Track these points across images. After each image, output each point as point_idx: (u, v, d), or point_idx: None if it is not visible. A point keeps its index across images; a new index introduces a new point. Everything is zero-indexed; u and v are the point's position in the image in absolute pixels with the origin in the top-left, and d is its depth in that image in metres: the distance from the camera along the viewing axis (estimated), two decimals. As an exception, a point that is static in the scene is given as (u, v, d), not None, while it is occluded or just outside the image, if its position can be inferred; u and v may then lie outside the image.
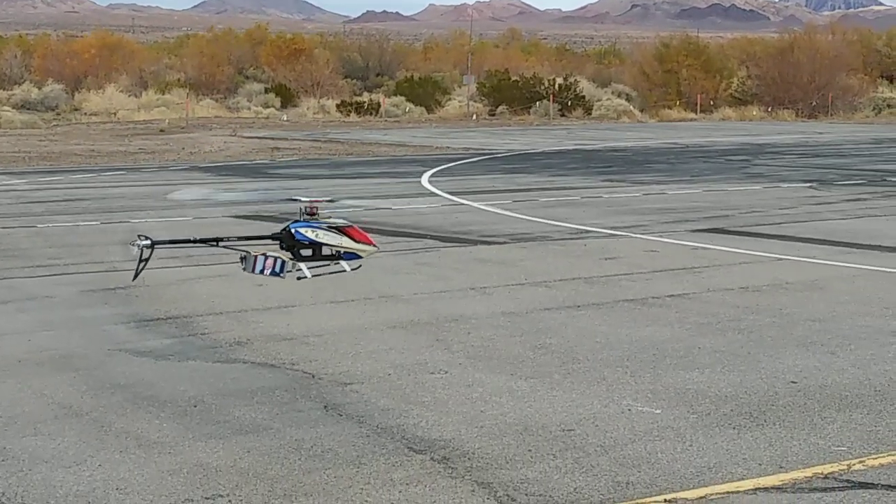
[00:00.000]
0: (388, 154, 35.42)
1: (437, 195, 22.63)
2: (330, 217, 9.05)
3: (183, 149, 36.26)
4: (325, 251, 8.93)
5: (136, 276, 8.65)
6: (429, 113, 62.14)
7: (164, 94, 60.55)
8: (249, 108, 59.89)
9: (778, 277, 12.76)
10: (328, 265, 8.98)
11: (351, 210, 18.09)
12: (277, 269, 8.73)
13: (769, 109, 64.97)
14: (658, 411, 7.67)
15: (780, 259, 14.12)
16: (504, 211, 19.70)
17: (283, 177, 27.24)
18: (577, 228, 17.22)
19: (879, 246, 15.19)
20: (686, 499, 6.04)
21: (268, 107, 60.63)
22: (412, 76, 68.17)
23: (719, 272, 13.27)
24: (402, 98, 63.56)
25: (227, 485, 6.31)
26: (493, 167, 30.17)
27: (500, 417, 7.55)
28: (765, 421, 7.43)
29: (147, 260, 8.65)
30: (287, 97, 62.87)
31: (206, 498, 6.11)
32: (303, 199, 9.28)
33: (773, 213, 19.38)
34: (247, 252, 8.76)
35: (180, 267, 13.07)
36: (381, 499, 6.09)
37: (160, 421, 7.48)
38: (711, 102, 66.13)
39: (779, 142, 41.77)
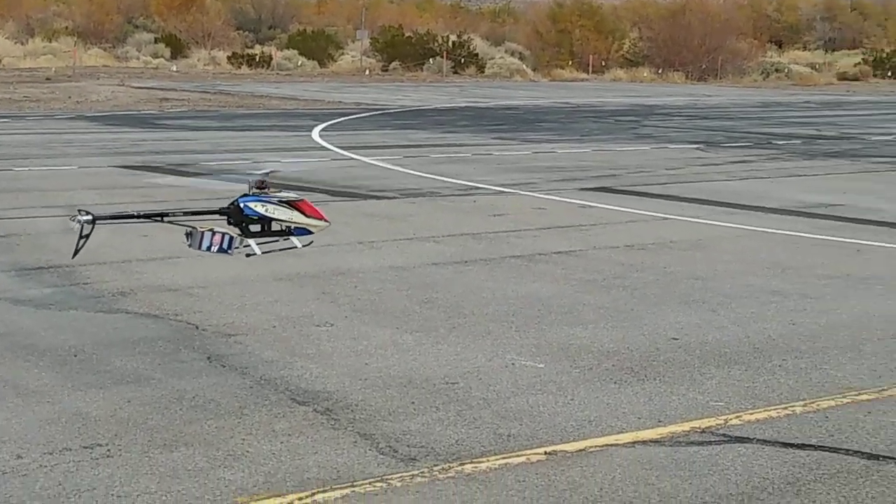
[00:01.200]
0: (279, 108, 35.16)
1: (327, 149, 22.53)
2: (280, 191, 8.76)
3: (69, 97, 35.64)
4: (275, 226, 8.57)
5: (75, 253, 8.27)
6: (321, 67, 61.76)
7: (51, 41, 59.40)
8: (138, 58, 59.05)
9: (663, 236, 12.91)
10: (278, 241, 8.68)
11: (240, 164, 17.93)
12: (225, 245, 8.39)
13: (660, 71, 65.58)
14: (541, 366, 7.73)
15: (666, 218, 14.28)
16: (394, 166, 19.67)
17: (171, 128, 26.90)
18: (466, 185, 17.26)
19: (763, 207, 15.43)
20: (566, 451, 6.10)
21: (157, 57, 59.81)
22: (305, 30, 67.64)
23: (606, 230, 13.39)
24: (295, 52, 63.10)
25: (105, 434, 6.23)
26: (385, 123, 30.09)
27: (385, 370, 7.56)
28: (645, 376, 7.52)
29: (88, 236, 8.25)
30: (177, 48, 62.05)
31: (85, 447, 6.03)
32: (256, 173, 8.90)
33: (661, 173, 19.59)
34: (193, 228, 8.41)
35: (65, 216, 12.86)
36: (262, 449, 6.06)
37: (39, 370, 7.36)
38: (603, 63, 66.57)
39: (668, 104, 42.21)
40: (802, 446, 6.22)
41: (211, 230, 8.36)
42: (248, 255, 8.59)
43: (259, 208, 8.40)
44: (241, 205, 8.45)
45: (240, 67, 58.38)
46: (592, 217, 14.35)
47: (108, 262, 10.56)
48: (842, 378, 7.53)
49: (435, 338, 8.41)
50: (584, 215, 14.52)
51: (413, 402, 6.90)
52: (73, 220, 8.26)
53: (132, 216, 8.82)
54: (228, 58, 60.23)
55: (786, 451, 6.13)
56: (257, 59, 59.88)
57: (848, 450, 6.17)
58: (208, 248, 8.34)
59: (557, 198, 16.10)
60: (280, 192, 8.70)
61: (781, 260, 11.58)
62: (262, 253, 8.47)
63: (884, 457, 6.07)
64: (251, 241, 8.48)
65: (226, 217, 8.56)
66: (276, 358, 7.78)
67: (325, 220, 8.65)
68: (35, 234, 11.53)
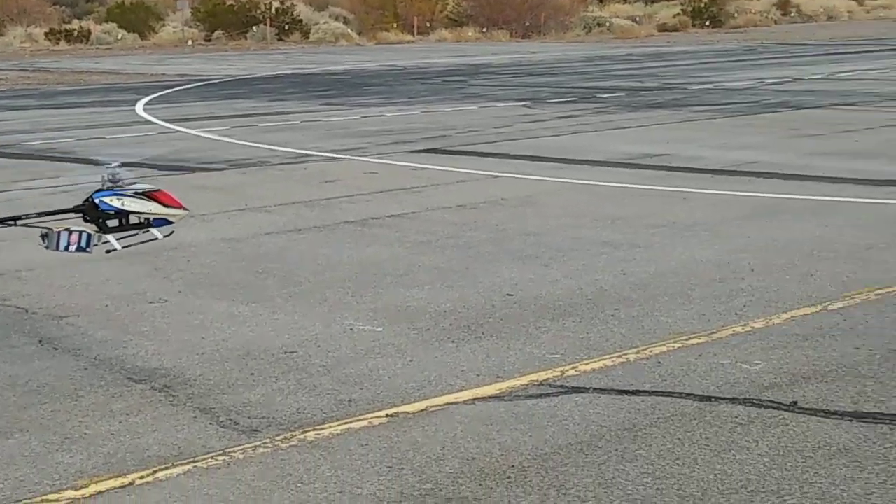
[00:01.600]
0: (101, 83, 34.47)
1: (152, 123, 22.18)
2: (135, 182, 8.52)
3: None
4: (133, 219, 8.33)
5: None
6: (142, 40, 60.66)
7: None
8: (-50, 38, 57.23)
9: (494, 194, 13.03)
10: (137, 234, 8.45)
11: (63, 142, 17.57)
12: (83, 243, 8.12)
13: (484, 30, 65.91)
14: (379, 329, 7.76)
15: (496, 176, 14.41)
16: (222, 137, 19.47)
17: (-11, 108, 26.17)
18: (296, 153, 17.17)
19: (589, 160, 15.66)
20: (407, 412, 6.14)
21: (-29, 37, 58.06)
22: (124, 2, 66.26)
23: (437, 191, 13.45)
24: (114, 25, 61.84)
25: (-63, 426, 6.08)
26: (211, 93, 29.72)
27: (222, 343, 7.50)
28: (482, 333, 7.60)
29: None
30: (-9, 26, 60.31)
31: (-85, 441, 5.88)
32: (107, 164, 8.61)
33: (489, 131, 19.74)
34: (48, 229, 8.13)
35: None
36: (100, 430, 5.98)
37: None
38: (428, 24, 66.65)
39: (494, 62, 42.49)
40: (637, 392, 6.36)
41: (67, 229, 8.12)
42: (108, 252, 8.40)
43: (115, 202, 8.19)
44: (97, 200, 8.22)
45: (58, 43, 57.03)
46: (424, 178, 14.41)
47: (-71, 250, 10.27)
48: (672, 324, 7.71)
49: (271, 308, 8.37)
50: (416, 177, 14.57)
51: (252, 374, 6.87)
52: None
53: None
54: (46, 34, 58.78)
55: (621, 399, 6.26)
56: (76, 35, 58.55)
57: (681, 393, 6.33)
58: (66, 248, 8.10)
59: (388, 161, 16.12)
60: (135, 183, 8.51)
61: (610, 212, 11.78)
62: (123, 248, 8.29)
63: (715, 398, 6.24)
64: (110, 237, 8.26)
65: (81, 214, 8.31)
66: (109, 338, 7.66)
67: (184, 209, 8.50)
68: None
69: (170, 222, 8.40)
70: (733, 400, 6.20)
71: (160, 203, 8.31)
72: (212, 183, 14.42)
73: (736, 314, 7.89)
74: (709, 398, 6.25)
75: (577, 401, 6.25)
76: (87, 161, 15.82)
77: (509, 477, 5.27)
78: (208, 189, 13.87)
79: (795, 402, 6.13)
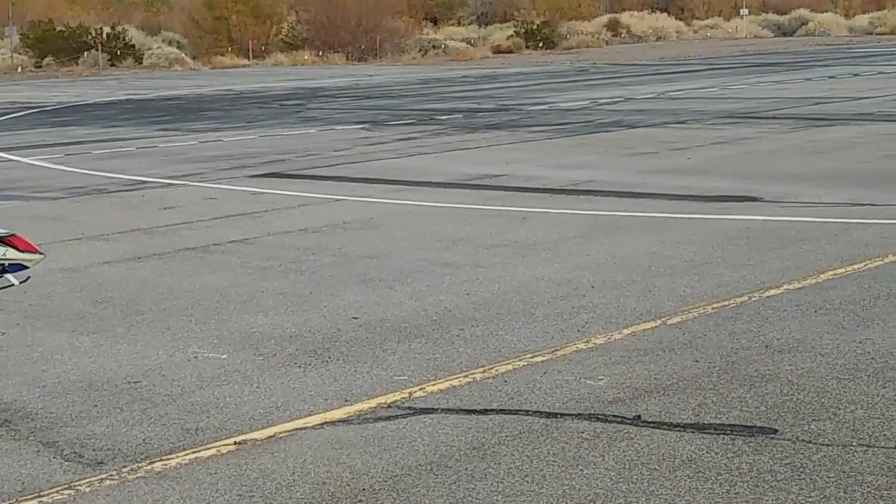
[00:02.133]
0: (-72, 111, 33.55)
1: (-17, 152, 21.66)
2: None
3: None
4: None
5: None
6: (-31, 67, 59.22)
7: None
8: None
9: (335, 217, 13.03)
10: None
11: None
12: None
13: (320, 54, 65.89)
14: (224, 356, 7.70)
15: (338, 200, 14.41)
16: (56, 165, 19.12)
17: None
18: (133, 179, 16.95)
19: (430, 182, 15.77)
20: (256, 439, 6.10)
21: None
22: (-52, 29, 64.65)
23: (279, 215, 13.40)
24: (-61, 52, 60.28)
25: None
26: (42, 121, 29.17)
27: (63, 375, 7.36)
28: (329, 357, 7.59)
29: None
30: None
31: None
32: None
33: (329, 154, 19.74)
34: None
35: None
36: (-61, 469, 5.82)
37: None
38: (263, 48, 66.42)
39: (331, 85, 42.51)
40: (485, 411, 6.42)
41: None
42: None
43: None
44: None
45: None
46: (264, 203, 14.34)
47: None
48: (517, 342, 7.80)
49: (113, 337, 8.24)
50: (256, 202, 14.49)
51: (96, 405, 6.75)
52: None
53: None
54: None
55: (469, 418, 6.32)
56: None
57: (528, 410, 6.41)
58: None
59: (228, 186, 16.00)
60: None
61: (452, 232, 11.87)
62: None
63: (561, 414, 6.33)
64: None
65: None
66: (-55, 373, 7.45)
67: (40, 253, 8.27)
68: None
69: (25, 267, 8.19)
70: (579, 416, 6.30)
71: (15, 248, 8.09)
72: (47, 212, 14.15)
73: (578, 331, 8.01)
74: (555, 414, 6.33)
75: (426, 421, 6.29)
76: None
77: (360, 500, 5.28)
78: (43, 218, 13.60)
79: (639, 416, 6.25)
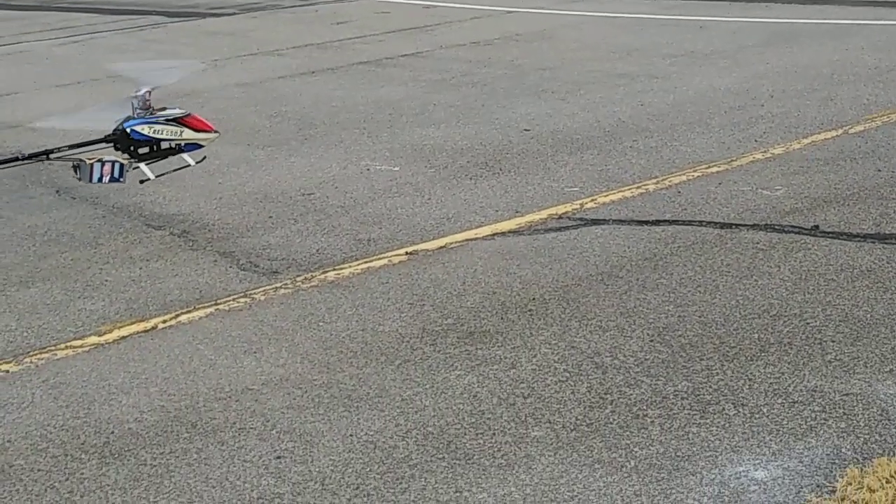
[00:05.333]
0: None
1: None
2: (165, 108, 8.36)
3: None
4: (165, 146, 8.18)
5: None
6: None
7: None
8: None
9: (508, 30, 12.85)
10: (170, 161, 8.32)
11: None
12: (116, 174, 7.95)
13: None
14: (396, 169, 7.71)
15: (510, 12, 14.20)
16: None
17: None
18: (307, -5, 16.95)
19: (605, -8, 15.42)
20: (427, 249, 6.12)
21: None
22: None
23: (451, 29, 13.28)
24: None
25: (-42, 278, 6.10)
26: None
27: (239, 188, 7.48)
28: (500, 169, 7.55)
29: None
30: None
31: (-62, 294, 5.90)
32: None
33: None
34: (80, 161, 7.98)
35: None
36: (121, 277, 5.99)
37: None
38: None
39: None
40: (657, 222, 6.32)
41: (99, 160, 7.97)
42: (141, 182, 8.26)
43: (146, 130, 8.02)
44: (128, 129, 8.06)
45: None
46: (436, 17, 14.21)
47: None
48: (692, 153, 7.63)
49: (287, 151, 8.32)
50: (428, 16, 14.37)
51: (270, 217, 6.85)
52: None
53: (16, 159, 8.41)
54: None
55: (641, 229, 6.23)
56: None
57: (701, 221, 6.29)
58: (100, 180, 7.95)
59: (400, 0, 15.89)
60: (165, 109, 8.37)
61: (626, 43, 11.62)
62: (156, 177, 8.17)
63: (736, 225, 6.19)
64: (142, 165, 8.13)
65: (112, 144, 8.18)
66: (126, 186, 7.62)
67: (215, 131, 8.35)
68: None
69: (201, 146, 8.29)
70: (754, 226, 6.16)
71: (191, 128, 8.15)
72: (222, 28, 14.26)
73: (756, 141, 7.80)
74: (730, 225, 6.20)
75: (597, 233, 6.22)
76: (94, 10, 15.69)
77: (531, 310, 5.26)
78: (219, 34, 13.71)
79: (817, 226, 6.08)
